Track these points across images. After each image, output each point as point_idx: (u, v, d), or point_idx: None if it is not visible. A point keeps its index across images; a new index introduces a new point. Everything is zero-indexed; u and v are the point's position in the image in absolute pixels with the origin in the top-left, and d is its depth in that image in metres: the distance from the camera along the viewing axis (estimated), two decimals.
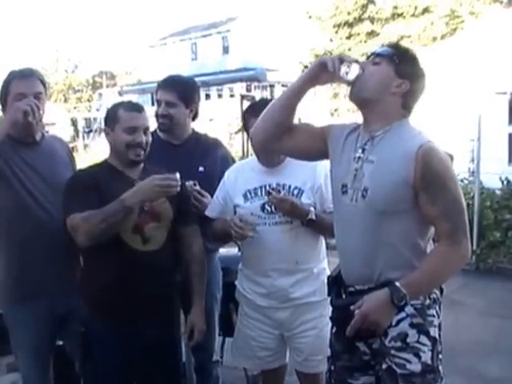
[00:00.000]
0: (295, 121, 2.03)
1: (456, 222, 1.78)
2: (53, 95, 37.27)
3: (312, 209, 2.32)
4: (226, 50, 29.55)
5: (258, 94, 19.71)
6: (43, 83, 2.45)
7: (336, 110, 17.35)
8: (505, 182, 6.83)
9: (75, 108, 33.94)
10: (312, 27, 19.88)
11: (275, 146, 2.06)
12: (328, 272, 2.38)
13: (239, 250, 2.76)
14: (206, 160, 2.72)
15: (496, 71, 7.90)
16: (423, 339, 1.81)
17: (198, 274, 2.39)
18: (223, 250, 3.05)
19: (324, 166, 2.29)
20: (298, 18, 22.22)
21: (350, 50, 17.30)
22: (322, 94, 15.89)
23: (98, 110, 29.95)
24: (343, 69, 1.83)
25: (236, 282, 2.59)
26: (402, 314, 1.81)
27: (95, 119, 25.92)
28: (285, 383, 2.67)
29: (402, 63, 1.85)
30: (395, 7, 17.87)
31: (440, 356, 1.85)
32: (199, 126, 2.93)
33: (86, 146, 21.62)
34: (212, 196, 2.57)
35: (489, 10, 13.93)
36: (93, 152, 16.44)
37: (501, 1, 15.53)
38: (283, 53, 24.94)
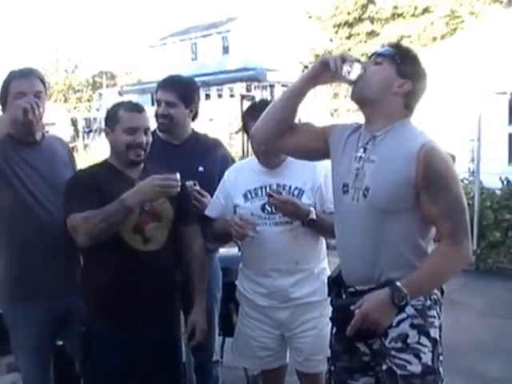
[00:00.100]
0: (295, 121, 2.03)
1: (457, 222, 1.77)
2: (53, 95, 37.27)
3: (312, 209, 2.32)
4: (225, 50, 29.57)
5: (258, 94, 19.69)
6: (43, 82, 2.45)
7: (336, 110, 17.36)
8: (505, 182, 6.83)
9: (75, 108, 33.91)
10: (312, 27, 19.89)
11: (276, 146, 2.06)
12: (328, 272, 2.38)
13: (239, 250, 2.76)
14: (206, 160, 2.72)
15: (496, 71, 7.90)
16: (424, 340, 1.81)
17: (199, 273, 2.39)
18: (223, 250, 3.06)
19: (324, 166, 2.29)
20: (297, 18, 22.24)
21: (349, 50, 17.30)
22: (322, 95, 15.89)
23: (98, 110, 29.92)
24: (345, 68, 1.82)
25: (236, 282, 2.59)
26: (403, 315, 1.80)
27: (95, 119, 25.90)
28: (285, 383, 2.67)
29: (403, 63, 1.85)
30: (395, 7, 17.89)
31: (440, 357, 1.85)
32: (199, 126, 2.92)
33: (86, 146, 21.61)
34: (212, 196, 2.56)
35: (489, 10, 13.95)
36: (93, 152, 16.43)
37: (501, 1, 15.54)
38: (283, 53, 24.96)
